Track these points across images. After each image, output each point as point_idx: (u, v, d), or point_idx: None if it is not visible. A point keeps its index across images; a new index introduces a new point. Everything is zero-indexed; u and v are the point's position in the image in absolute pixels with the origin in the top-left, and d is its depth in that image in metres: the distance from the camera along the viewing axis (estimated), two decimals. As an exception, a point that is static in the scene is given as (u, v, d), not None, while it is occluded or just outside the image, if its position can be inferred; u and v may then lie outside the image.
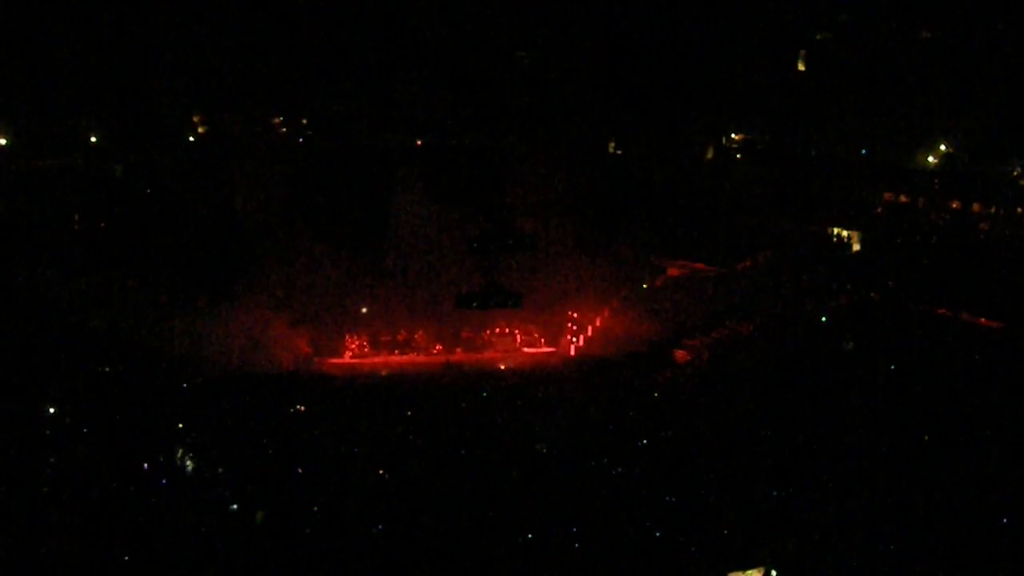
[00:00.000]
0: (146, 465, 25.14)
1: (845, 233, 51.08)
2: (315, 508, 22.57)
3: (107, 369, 37.17)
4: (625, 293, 49.44)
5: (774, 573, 21.14)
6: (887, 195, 52.09)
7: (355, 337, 46.69)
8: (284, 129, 56.61)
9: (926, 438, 28.81)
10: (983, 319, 40.34)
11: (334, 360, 45.92)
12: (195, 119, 55.76)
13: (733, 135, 60.22)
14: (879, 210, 51.92)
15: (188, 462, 26.43)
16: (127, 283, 44.82)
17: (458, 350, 47.27)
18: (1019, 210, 48.02)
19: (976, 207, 49.32)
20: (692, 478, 26.18)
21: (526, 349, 48.48)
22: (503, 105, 54.91)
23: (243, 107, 48.85)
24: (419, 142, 57.86)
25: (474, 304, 41.33)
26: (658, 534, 22.14)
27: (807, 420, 31.59)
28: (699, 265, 50.81)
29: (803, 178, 54.33)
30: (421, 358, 46.41)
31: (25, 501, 22.85)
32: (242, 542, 20.87)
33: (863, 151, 53.76)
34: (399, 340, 47.19)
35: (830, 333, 42.39)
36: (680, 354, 46.37)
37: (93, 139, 54.27)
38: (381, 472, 25.92)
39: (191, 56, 52.53)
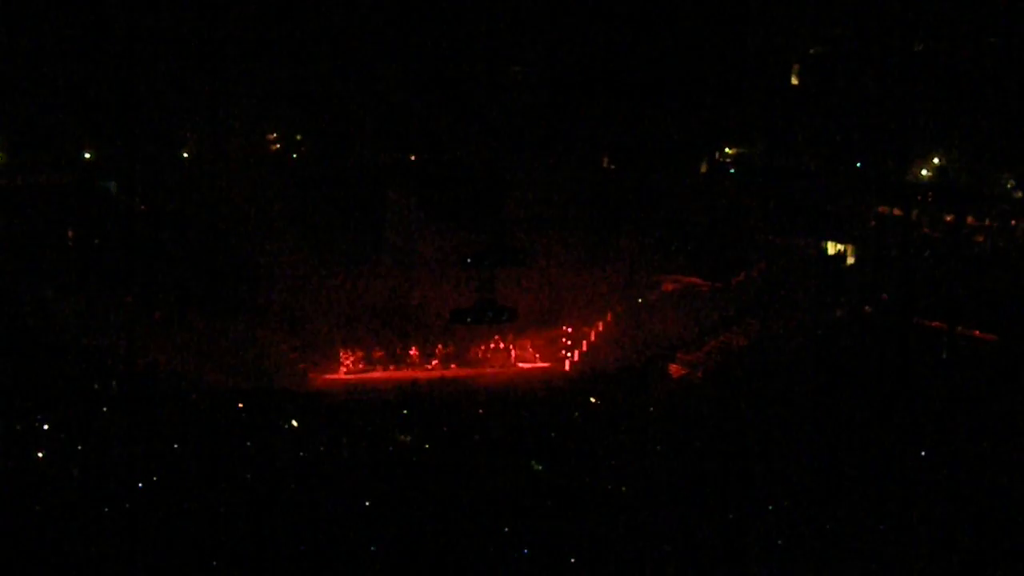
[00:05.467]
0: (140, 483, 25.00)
1: (839, 247, 51.12)
2: (305, 530, 22.39)
3: (100, 386, 37.01)
4: (620, 308, 49.44)
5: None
6: (881, 208, 52.18)
7: (349, 353, 46.61)
8: (278, 145, 56.65)
9: (922, 452, 28.75)
10: (978, 332, 40.35)
11: (329, 376, 45.85)
12: (188, 135, 55.79)
13: (727, 149, 60.34)
14: (873, 223, 52.02)
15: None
16: (121, 299, 44.73)
17: (453, 365, 47.21)
18: (1013, 222, 48.11)
19: (970, 220, 49.41)
20: (687, 492, 26.08)
21: (521, 364, 48.46)
22: (497, 120, 54.98)
23: (237, 123, 48.90)
24: (413, 157, 57.94)
25: (468, 319, 41.32)
26: (654, 551, 22.04)
27: (802, 434, 31.52)
28: (694, 279, 50.86)
29: (797, 192, 54.41)
30: (416, 373, 46.33)
31: (18, 518, 22.72)
32: (236, 561, 20.76)
33: (857, 164, 53.85)
34: (394, 356, 47.13)
35: (825, 346, 42.41)
36: (675, 368, 46.43)
37: (87, 156, 54.25)
38: (375, 489, 25.80)
39: (185, 72, 52.58)
